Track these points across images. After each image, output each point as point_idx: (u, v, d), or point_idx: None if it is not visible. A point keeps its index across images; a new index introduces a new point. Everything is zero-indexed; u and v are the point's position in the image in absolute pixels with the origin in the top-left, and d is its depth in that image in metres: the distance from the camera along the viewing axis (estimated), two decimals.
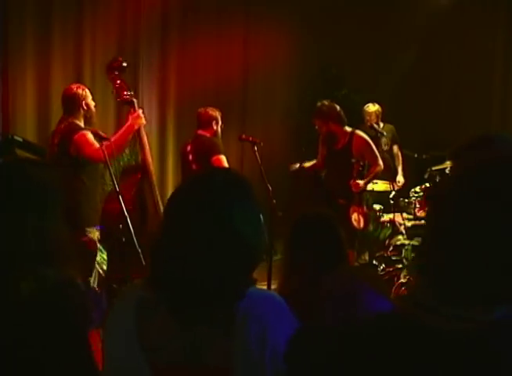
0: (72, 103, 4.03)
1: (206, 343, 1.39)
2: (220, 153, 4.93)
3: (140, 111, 4.18)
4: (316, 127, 5.24)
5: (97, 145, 3.85)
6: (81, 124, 4.04)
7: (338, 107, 5.18)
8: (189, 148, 5.12)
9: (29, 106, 5.85)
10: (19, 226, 1.70)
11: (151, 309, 1.42)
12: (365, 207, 5.17)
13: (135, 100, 4.20)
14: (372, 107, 6.46)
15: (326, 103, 5.24)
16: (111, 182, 3.78)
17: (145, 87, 6.70)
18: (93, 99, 4.11)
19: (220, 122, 5.18)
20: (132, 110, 4.16)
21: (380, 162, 5.20)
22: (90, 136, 3.96)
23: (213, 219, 1.38)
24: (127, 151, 6.37)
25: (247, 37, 7.38)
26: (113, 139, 3.95)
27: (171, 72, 6.92)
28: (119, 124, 6.54)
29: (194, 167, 4.96)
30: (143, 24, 6.59)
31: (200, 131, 5.11)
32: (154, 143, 6.89)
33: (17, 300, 1.65)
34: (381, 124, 6.47)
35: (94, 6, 6.20)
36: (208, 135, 5.06)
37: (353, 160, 5.06)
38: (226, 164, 4.89)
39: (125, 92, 4.16)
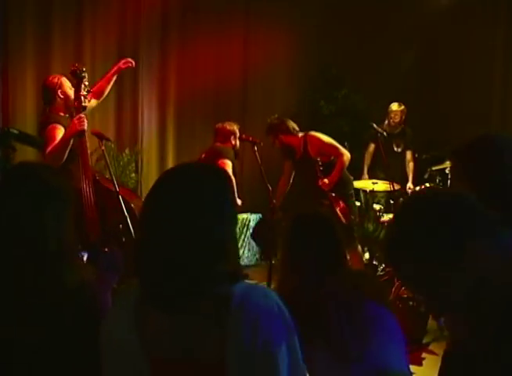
0: (48, 93, 4.01)
1: (198, 335, 1.40)
2: (226, 157, 4.96)
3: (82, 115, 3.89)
4: (272, 143, 5.24)
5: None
6: (61, 113, 3.96)
7: (287, 120, 5.18)
8: (203, 156, 5.22)
9: (29, 106, 5.84)
10: (40, 227, 1.74)
11: (147, 305, 1.44)
12: (341, 203, 5.14)
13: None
14: (396, 107, 6.46)
15: (273, 117, 5.27)
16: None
17: (145, 87, 6.69)
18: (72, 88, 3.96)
19: (238, 134, 5.23)
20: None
21: (343, 151, 5.17)
22: (58, 132, 3.83)
23: (186, 211, 1.40)
24: (127, 151, 6.38)
25: (247, 37, 7.38)
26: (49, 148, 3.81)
27: (171, 72, 6.92)
28: (119, 124, 6.56)
29: None
30: (143, 24, 6.59)
31: (218, 144, 5.25)
32: (154, 143, 6.89)
33: (40, 301, 1.68)
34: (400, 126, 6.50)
35: (94, 6, 6.20)
36: (229, 147, 5.23)
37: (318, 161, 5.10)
38: (230, 170, 4.90)
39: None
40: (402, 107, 6.47)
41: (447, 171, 6.15)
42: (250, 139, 4.88)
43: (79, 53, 6.14)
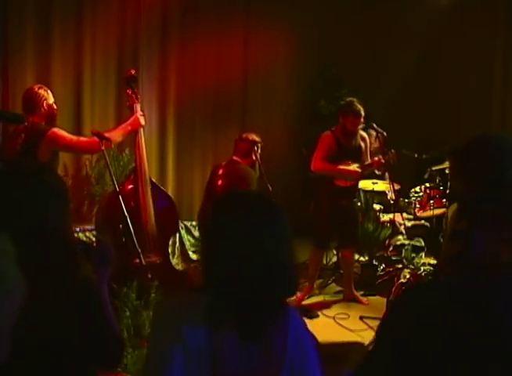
0: (32, 103, 4.04)
1: (259, 363, 1.48)
2: (250, 188, 4.64)
3: (140, 113, 4.32)
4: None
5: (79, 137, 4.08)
6: (43, 123, 4.05)
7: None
8: (220, 171, 4.90)
9: None
10: (41, 226, 1.75)
11: (219, 321, 1.47)
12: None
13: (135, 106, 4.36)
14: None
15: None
16: (111, 182, 3.78)
17: (145, 87, 6.69)
18: (55, 103, 4.16)
19: (259, 150, 4.94)
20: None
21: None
22: (64, 132, 4.04)
23: (269, 235, 1.55)
24: (127, 151, 6.37)
25: (247, 37, 7.38)
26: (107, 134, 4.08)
27: (171, 72, 6.91)
28: (119, 124, 6.53)
29: (221, 193, 4.74)
30: (143, 24, 6.59)
31: (236, 158, 4.91)
32: (154, 143, 6.89)
33: (47, 299, 1.70)
34: None
35: (94, 6, 6.20)
36: (246, 162, 4.88)
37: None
38: None
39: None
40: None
41: (447, 171, 6.16)
42: (250, 139, 4.88)
43: (79, 53, 6.14)
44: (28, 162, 1.97)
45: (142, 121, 4.32)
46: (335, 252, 6.10)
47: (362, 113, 5.13)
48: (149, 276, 3.74)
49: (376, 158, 5.34)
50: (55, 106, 4.14)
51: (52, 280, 1.72)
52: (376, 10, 7.48)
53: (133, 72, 4.48)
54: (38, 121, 4.03)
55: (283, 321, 1.51)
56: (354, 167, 5.16)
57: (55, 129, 3.99)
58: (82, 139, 4.18)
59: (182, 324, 1.46)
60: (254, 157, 4.87)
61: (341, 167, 5.14)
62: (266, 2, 7.27)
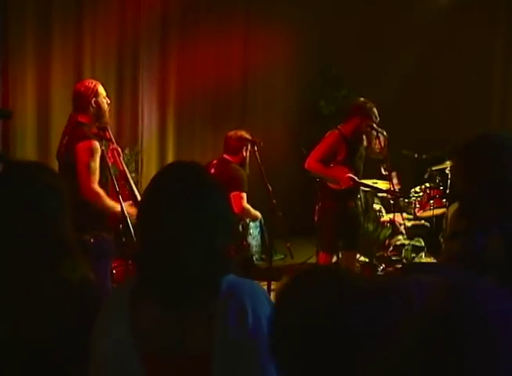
0: (79, 100, 3.74)
1: (190, 329, 1.44)
2: (242, 189, 4.71)
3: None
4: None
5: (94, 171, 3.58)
6: (90, 123, 3.74)
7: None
8: (212, 171, 4.83)
9: (29, 106, 5.85)
10: (41, 226, 1.75)
11: (143, 299, 1.47)
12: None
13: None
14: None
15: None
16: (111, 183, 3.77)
17: (145, 87, 6.70)
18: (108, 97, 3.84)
19: (250, 147, 4.91)
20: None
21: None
22: (92, 153, 3.60)
23: (187, 208, 1.45)
24: (127, 151, 6.37)
25: (247, 37, 7.38)
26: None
27: (171, 72, 6.92)
28: (119, 124, 6.55)
29: None
30: (143, 24, 6.59)
31: (227, 156, 4.89)
32: (154, 143, 6.90)
33: (43, 299, 1.71)
34: None
35: (94, 6, 6.20)
36: (235, 161, 4.87)
37: None
38: (245, 203, 4.69)
39: None
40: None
41: (447, 171, 6.16)
42: (251, 138, 4.87)
43: (79, 53, 6.15)
44: (27, 161, 1.96)
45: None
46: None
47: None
48: None
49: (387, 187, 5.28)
50: (105, 101, 3.77)
51: (51, 279, 1.72)
52: (376, 10, 7.49)
53: None
54: (84, 120, 3.71)
55: (213, 302, 1.44)
56: (348, 176, 5.05)
57: (88, 145, 3.59)
58: (93, 177, 3.60)
59: (110, 312, 1.52)
60: (243, 154, 4.90)
61: (334, 173, 5.06)
62: (266, 2, 7.28)
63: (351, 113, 5.17)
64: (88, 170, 3.55)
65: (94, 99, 3.74)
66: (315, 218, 5.30)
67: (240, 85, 7.42)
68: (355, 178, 5.10)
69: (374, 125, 5.32)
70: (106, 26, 6.31)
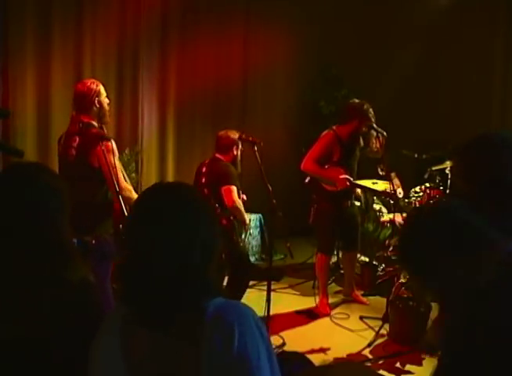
0: (83, 100, 3.74)
1: (175, 356, 1.42)
2: (231, 183, 4.77)
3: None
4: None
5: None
6: (95, 124, 3.76)
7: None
8: (204, 169, 4.99)
9: (29, 106, 5.84)
10: (41, 227, 1.75)
11: (133, 324, 1.47)
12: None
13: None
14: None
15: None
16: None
17: (145, 87, 6.70)
18: (107, 97, 3.86)
19: (240, 146, 5.03)
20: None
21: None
22: (114, 151, 3.60)
23: (166, 231, 1.45)
24: (127, 151, 6.38)
25: (247, 37, 7.38)
26: None
27: (171, 72, 6.92)
28: (119, 124, 6.55)
29: (206, 191, 4.80)
30: (143, 24, 6.59)
31: (218, 155, 5.01)
32: (154, 143, 6.89)
33: (42, 300, 1.71)
34: None
35: (94, 6, 6.20)
36: (226, 160, 4.96)
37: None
38: (235, 196, 4.72)
39: None
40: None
41: (447, 171, 6.15)
42: (250, 139, 4.87)
43: (79, 53, 6.14)
44: (27, 162, 1.96)
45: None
46: (335, 253, 6.10)
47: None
48: None
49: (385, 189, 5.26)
50: (107, 101, 3.82)
51: (51, 279, 1.72)
52: (376, 10, 7.49)
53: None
54: (88, 120, 3.73)
55: (200, 326, 1.41)
56: (344, 177, 5.06)
57: (111, 146, 3.58)
58: (121, 175, 3.67)
59: (102, 336, 1.52)
60: (234, 153, 4.98)
61: (330, 174, 5.07)
62: (266, 2, 7.28)
63: (348, 116, 5.18)
64: (117, 169, 3.57)
65: (97, 98, 3.77)
66: (311, 219, 5.32)
67: (240, 85, 7.42)
68: (351, 179, 5.11)
69: (374, 125, 5.32)
70: (106, 26, 6.30)
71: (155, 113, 6.86)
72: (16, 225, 1.76)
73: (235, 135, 5.03)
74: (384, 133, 5.49)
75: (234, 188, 4.80)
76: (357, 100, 5.29)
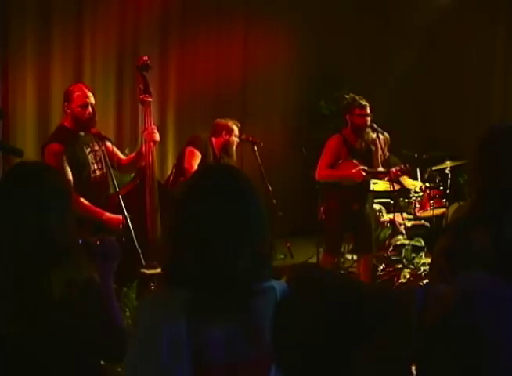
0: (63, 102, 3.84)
1: (253, 333, 1.43)
2: (195, 146, 4.84)
3: (154, 127, 4.09)
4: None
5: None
6: (68, 126, 3.82)
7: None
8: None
9: (29, 106, 5.84)
10: (44, 228, 1.75)
11: (201, 308, 1.43)
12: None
13: (149, 100, 4.04)
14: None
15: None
16: (111, 183, 3.78)
17: None
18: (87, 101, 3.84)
19: (235, 133, 5.08)
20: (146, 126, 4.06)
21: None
22: (56, 153, 3.65)
23: (237, 212, 1.46)
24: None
25: (247, 37, 7.38)
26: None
27: (171, 72, 6.92)
28: (119, 124, 6.56)
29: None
30: (143, 24, 6.59)
31: (212, 138, 5.14)
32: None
33: (50, 299, 1.72)
34: None
35: (94, 6, 6.20)
36: (216, 143, 5.07)
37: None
38: (194, 160, 4.74)
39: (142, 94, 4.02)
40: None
41: (447, 171, 6.16)
42: (250, 139, 4.89)
43: (79, 53, 6.14)
44: (32, 162, 1.97)
45: (157, 137, 4.11)
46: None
47: (367, 104, 5.09)
48: (152, 286, 3.68)
49: (393, 169, 5.15)
50: (88, 110, 3.82)
51: (58, 279, 1.72)
52: (376, 10, 7.49)
53: (145, 59, 4.09)
54: (66, 124, 3.82)
55: (268, 303, 1.41)
56: (358, 169, 4.99)
57: (51, 147, 3.68)
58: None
59: (160, 323, 1.43)
60: (225, 137, 5.07)
61: (344, 172, 5.01)
62: (266, 2, 7.28)
63: (343, 116, 5.19)
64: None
65: (70, 104, 3.85)
66: (320, 217, 5.26)
67: (240, 85, 7.42)
68: (366, 168, 5.02)
69: (374, 125, 5.30)
70: (106, 26, 6.30)
71: (155, 113, 6.82)
72: (24, 226, 1.76)
73: (232, 123, 5.13)
74: (385, 133, 5.48)
75: (196, 152, 4.79)
76: (346, 96, 5.27)
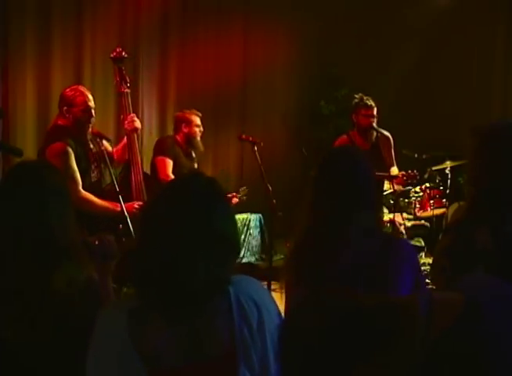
0: (59, 104, 3.81)
1: (209, 334, 1.43)
2: (163, 154, 4.79)
3: (133, 115, 4.01)
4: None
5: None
6: (65, 125, 3.76)
7: None
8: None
9: (29, 106, 5.84)
10: (45, 226, 1.75)
11: (143, 319, 1.44)
12: None
13: (126, 92, 4.03)
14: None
15: None
16: (111, 182, 3.77)
17: (145, 87, 6.69)
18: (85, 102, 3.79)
19: (195, 123, 4.99)
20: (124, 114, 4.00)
21: None
22: (61, 153, 3.60)
23: (195, 222, 1.43)
24: None
25: (247, 37, 7.38)
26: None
27: (171, 72, 6.92)
28: (119, 124, 6.55)
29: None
30: (143, 24, 6.59)
31: (173, 134, 5.11)
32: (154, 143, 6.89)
33: (53, 299, 1.72)
34: None
35: (94, 6, 6.20)
36: (180, 139, 5.00)
37: None
38: (167, 169, 4.67)
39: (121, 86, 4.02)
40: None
41: (447, 171, 6.15)
42: (250, 139, 4.87)
43: (79, 53, 6.14)
44: (34, 161, 1.97)
45: (138, 125, 4.00)
46: None
47: (374, 105, 5.11)
48: None
49: (400, 174, 5.16)
50: (91, 114, 3.79)
51: (59, 278, 1.72)
52: (376, 9, 7.48)
53: (119, 50, 4.11)
54: (63, 123, 3.77)
55: (223, 306, 1.44)
56: None
57: (54, 147, 3.62)
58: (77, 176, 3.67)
59: (104, 337, 1.46)
60: (184, 131, 4.98)
61: None
62: (266, 2, 7.27)
63: (350, 114, 5.20)
64: None
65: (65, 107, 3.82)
66: None
67: (240, 85, 7.42)
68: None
69: (374, 125, 5.31)
70: (106, 25, 6.30)
71: (155, 113, 6.86)
72: (26, 225, 1.76)
73: (190, 113, 5.04)
74: (385, 133, 5.48)
75: (167, 160, 4.75)
76: (355, 96, 5.29)
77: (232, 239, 1.49)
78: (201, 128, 5.06)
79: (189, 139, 4.99)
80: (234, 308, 1.44)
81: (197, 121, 5.04)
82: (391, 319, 1.03)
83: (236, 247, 1.53)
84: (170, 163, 4.76)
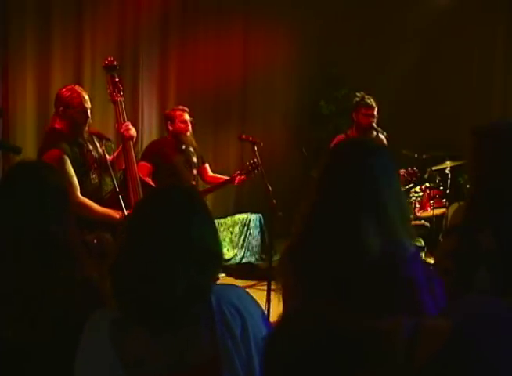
0: (55, 104, 3.77)
1: (191, 343, 1.44)
2: (143, 159, 4.82)
3: (128, 123, 4.00)
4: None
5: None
6: (63, 130, 3.73)
7: None
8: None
9: (29, 106, 5.84)
10: (44, 226, 1.75)
11: (125, 329, 1.45)
12: None
13: (120, 100, 4.00)
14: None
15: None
16: (111, 183, 3.77)
17: (145, 87, 6.69)
18: (82, 102, 3.77)
19: (181, 118, 4.93)
20: (118, 122, 3.98)
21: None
22: (57, 160, 3.52)
23: (173, 234, 1.44)
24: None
25: (247, 37, 7.38)
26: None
27: (171, 72, 6.91)
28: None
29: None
30: (143, 24, 6.59)
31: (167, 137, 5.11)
32: None
33: (53, 298, 1.72)
34: None
35: (94, 6, 6.20)
36: (169, 137, 5.02)
37: None
38: (143, 173, 4.53)
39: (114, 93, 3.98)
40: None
41: (447, 171, 6.15)
42: (250, 139, 4.87)
43: (79, 53, 6.14)
44: (33, 161, 1.97)
45: (133, 132, 4.00)
46: None
47: (374, 105, 5.12)
48: None
49: (400, 172, 5.14)
50: (88, 115, 3.77)
51: (59, 277, 1.72)
52: (376, 9, 7.48)
53: (110, 59, 4.06)
54: (59, 127, 3.73)
55: (205, 315, 1.45)
56: None
57: (50, 154, 3.56)
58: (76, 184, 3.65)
59: (91, 341, 1.49)
60: (170, 128, 4.98)
61: None
62: (266, 2, 7.27)
63: (350, 113, 5.21)
64: None
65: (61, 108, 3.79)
66: None
67: (240, 85, 7.42)
68: None
69: (374, 125, 5.31)
70: (106, 26, 6.30)
71: (155, 113, 6.86)
72: (25, 224, 1.76)
73: (176, 110, 5.02)
74: (385, 133, 5.49)
75: (146, 164, 4.75)
76: (357, 94, 5.30)
77: (212, 248, 1.50)
78: (188, 123, 4.96)
79: (177, 136, 4.95)
80: (216, 316, 1.44)
81: (183, 116, 4.96)
82: (373, 345, 1.03)
83: (217, 256, 1.53)
84: (147, 167, 4.75)
